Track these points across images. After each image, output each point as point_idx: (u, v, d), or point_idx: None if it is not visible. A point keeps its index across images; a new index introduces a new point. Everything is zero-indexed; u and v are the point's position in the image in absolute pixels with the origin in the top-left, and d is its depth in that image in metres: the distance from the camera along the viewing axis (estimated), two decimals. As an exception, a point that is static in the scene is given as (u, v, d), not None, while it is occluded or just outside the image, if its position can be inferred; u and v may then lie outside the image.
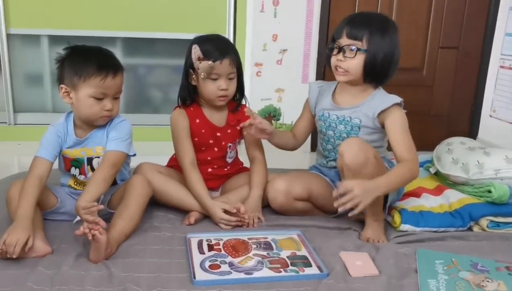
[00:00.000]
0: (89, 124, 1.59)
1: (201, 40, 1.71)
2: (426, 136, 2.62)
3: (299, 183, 1.72)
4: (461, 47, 3.03)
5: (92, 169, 1.62)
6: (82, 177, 1.63)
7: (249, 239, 1.56)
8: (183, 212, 1.74)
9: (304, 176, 1.78)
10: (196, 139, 1.78)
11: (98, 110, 1.53)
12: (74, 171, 1.63)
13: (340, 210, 1.46)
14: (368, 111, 1.65)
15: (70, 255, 1.40)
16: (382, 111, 1.62)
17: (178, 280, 1.33)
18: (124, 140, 1.58)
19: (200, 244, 1.52)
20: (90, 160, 1.62)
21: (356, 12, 1.72)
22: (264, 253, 1.48)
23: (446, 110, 3.13)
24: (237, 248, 1.49)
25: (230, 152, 1.86)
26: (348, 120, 1.69)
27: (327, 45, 1.68)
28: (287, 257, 1.46)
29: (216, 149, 1.82)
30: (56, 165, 1.62)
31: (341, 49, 1.61)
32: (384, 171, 1.59)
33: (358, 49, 1.58)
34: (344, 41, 1.60)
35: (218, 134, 1.80)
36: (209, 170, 1.83)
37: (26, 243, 1.33)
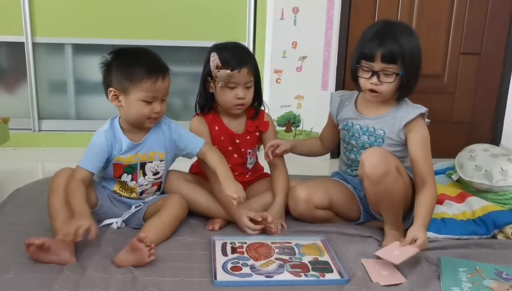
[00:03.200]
0: (138, 127, 1.60)
1: (220, 48, 1.72)
2: (447, 143, 2.59)
3: (320, 191, 1.71)
4: (483, 53, 3.00)
5: (144, 174, 1.64)
6: (133, 183, 1.64)
7: (272, 243, 1.56)
8: (205, 217, 1.75)
9: (326, 184, 1.77)
10: (215, 146, 1.79)
11: (147, 113, 1.54)
12: (126, 177, 1.63)
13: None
14: (393, 122, 1.63)
15: (95, 259, 1.42)
16: (408, 123, 1.60)
17: (200, 284, 1.34)
18: (195, 135, 1.69)
19: (224, 246, 1.54)
20: (143, 165, 1.63)
21: (377, 22, 1.64)
22: (286, 257, 1.49)
23: (468, 117, 3.09)
24: (260, 252, 1.50)
25: (250, 158, 1.87)
26: (372, 131, 1.66)
27: (355, 63, 1.61)
28: (309, 262, 1.46)
29: (235, 155, 1.83)
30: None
31: (375, 73, 1.56)
32: (406, 182, 1.58)
33: (396, 74, 1.55)
34: (378, 65, 1.55)
35: (237, 141, 1.81)
36: (232, 177, 1.83)
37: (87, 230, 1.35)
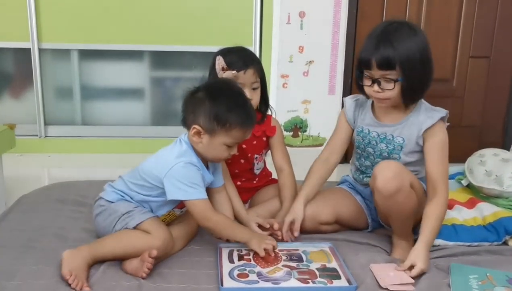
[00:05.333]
0: (205, 160, 1.57)
1: (225, 52, 1.72)
2: (457, 148, 2.57)
3: (327, 207, 1.68)
4: (492, 56, 2.99)
5: None
6: (179, 211, 1.62)
7: (280, 250, 1.56)
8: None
9: (332, 198, 1.72)
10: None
11: (226, 156, 1.53)
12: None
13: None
14: (413, 128, 1.58)
15: (100, 265, 1.43)
16: (428, 128, 1.55)
17: (206, 290, 1.34)
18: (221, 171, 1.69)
19: (231, 253, 1.53)
20: None
21: (380, 24, 1.57)
22: (294, 264, 1.48)
23: (478, 121, 3.08)
24: (267, 259, 1.50)
25: (258, 163, 1.86)
26: (390, 139, 1.62)
27: (358, 71, 1.56)
28: (317, 268, 1.46)
29: (242, 161, 1.83)
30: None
31: (375, 81, 1.51)
32: (419, 196, 1.55)
33: (396, 80, 1.48)
34: (376, 73, 1.49)
35: (244, 146, 1.81)
36: (238, 183, 1.83)
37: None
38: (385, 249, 1.63)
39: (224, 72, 1.67)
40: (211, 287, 1.36)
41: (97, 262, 1.43)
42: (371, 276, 1.42)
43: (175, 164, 1.46)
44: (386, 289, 1.36)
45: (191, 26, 3.03)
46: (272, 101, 1.87)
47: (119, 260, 1.45)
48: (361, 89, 1.61)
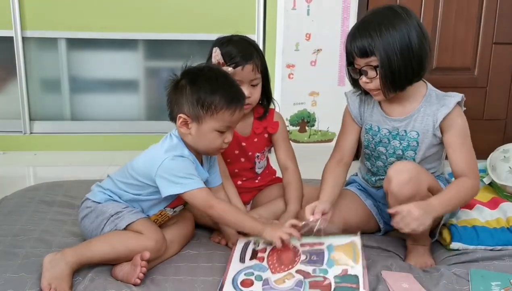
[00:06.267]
0: (199, 155, 1.58)
1: (223, 42, 1.71)
2: (479, 143, 2.53)
3: (334, 216, 1.60)
4: (518, 43, 2.97)
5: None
6: (171, 211, 1.62)
7: (302, 245, 1.49)
8: (209, 228, 1.75)
9: (340, 205, 1.67)
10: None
11: (219, 144, 1.52)
12: (181, 207, 1.63)
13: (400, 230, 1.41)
14: (427, 120, 1.56)
15: (88, 272, 1.43)
16: (444, 118, 1.53)
17: (203, 299, 1.35)
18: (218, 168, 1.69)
19: (245, 248, 1.50)
20: None
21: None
22: (310, 269, 1.41)
23: (503, 114, 3.06)
24: (282, 260, 1.45)
25: (259, 162, 1.86)
26: (403, 135, 1.60)
27: (347, 67, 1.58)
28: (335, 277, 1.38)
29: (243, 160, 1.82)
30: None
31: (361, 72, 1.52)
32: None
33: (377, 67, 1.48)
34: (360, 62, 1.51)
35: (244, 144, 1.80)
36: (239, 182, 1.83)
37: None
38: (399, 254, 1.63)
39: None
40: (209, 294, 1.37)
41: (84, 266, 1.43)
42: (383, 283, 1.42)
43: (164, 159, 1.46)
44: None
45: (188, 12, 3.02)
46: (276, 93, 1.86)
47: (108, 264, 1.45)
48: (356, 86, 1.62)
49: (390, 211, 1.42)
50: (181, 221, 1.65)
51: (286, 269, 1.43)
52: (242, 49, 1.69)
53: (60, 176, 2.31)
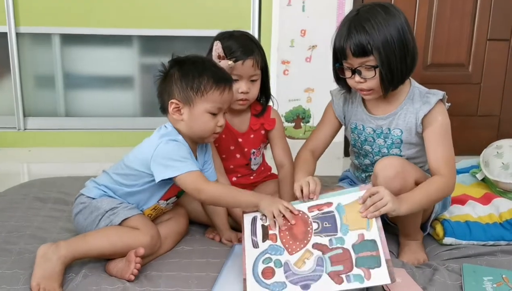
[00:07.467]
0: (195, 144, 1.60)
1: (225, 37, 1.72)
2: (473, 139, 2.58)
3: None
4: (512, 39, 2.98)
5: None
6: (164, 204, 1.62)
7: (310, 210, 1.45)
8: (204, 224, 1.76)
9: None
10: (216, 145, 1.79)
11: (213, 127, 1.53)
12: (174, 199, 1.63)
13: (368, 216, 1.38)
14: (410, 117, 1.57)
15: (81, 268, 1.44)
16: (426, 115, 1.54)
17: (197, 295, 1.35)
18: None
19: (254, 227, 1.45)
20: None
21: (353, 8, 1.55)
22: (326, 240, 1.37)
23: (497, 110, 3.07)
24: (295, 234, 1.41)
25: (255, 159, 1.87)
26: (387, 133, 1.61)
27: (334, 64, 1.57)
28: (353, 245, 1.34)
29: (238, 156, 1.83)
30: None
31: (355, 71, 1.50)
32: None
33: (376, 67, 1.47)
34: (354, 61, 1.49)
35: (240, 140, 1.81)
36: (234, 179, 1.83)
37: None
38: (391, 250, 1.63)
39: (220, 61, 1.67)
40: (203, 290, 1.37)
41: (77, 261, 1.43)
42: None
43: (159, 143, 1.49)
44: (391, 291, 1.36)
45: (183, 8, 3.01)
46: (272, 89, 1.86)
47: (101, 259, 1.45)
48: (340, 83, 1.61)
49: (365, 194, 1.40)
50: (176, 217, 1.66)
51: (302, 246, 1.38)
52: (243, 44, 1.70)
53: (54, 173, 2.31)
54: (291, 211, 1.44)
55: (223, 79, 1.52)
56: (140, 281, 1.40)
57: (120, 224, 1.48)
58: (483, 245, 1.64)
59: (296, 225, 1.43)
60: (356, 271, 1.29)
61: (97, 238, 1.44)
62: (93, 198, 1.55)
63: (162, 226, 1.59)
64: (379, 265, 1.28)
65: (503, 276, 1.43)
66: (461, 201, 1.82)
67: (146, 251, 1.42)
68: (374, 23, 1.45)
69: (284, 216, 1.43)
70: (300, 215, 1.45)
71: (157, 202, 1.58)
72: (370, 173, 1.66)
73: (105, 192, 1.56)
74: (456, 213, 1.75)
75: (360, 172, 1.76)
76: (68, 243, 1.42)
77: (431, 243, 1.67)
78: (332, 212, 1.43)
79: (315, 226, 1.42)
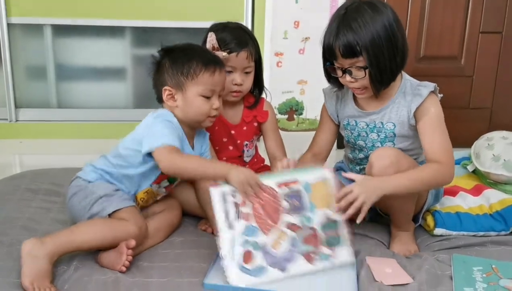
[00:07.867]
0: (192, 129, 1.61)
1: (219, 28, 1.72)
2: (465, 131, 2.58)
3: None
4: (505, 32, 2.98)
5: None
6: (156, 187, 1.62)
7: (278, 186, 1.44)
8: (196, 216, 1.75)
9: None
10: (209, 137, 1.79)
11: (207, 110, 1.54)
12: (165, 183, 1.63)
13: (342, 218, 1.42)
14: (402, 110, 1.57)
15: (73, 261, 1.44)
16: (418, 106, 1.54)
17: (190, 284, 1.36)
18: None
19: (224, 200, 1.39)
20: None
21: (341, 6, 1.55)
22: (297, 220, 1.42)
23: (489, 103, 3.08)
24: (268, 212, 1.41)
25: (248, 151, 1.87)
26: (380, 127, 1.61)
27: (325, 63, 1.57)
28: (320, 224, 1.44)
29: (231, 148, 1.83)
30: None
31: (346, 71, 1.51)
32: None
33: (365, 67, 1.47)
34: (344, 62, 1.49)
35: (232, 132, 1.81)
36: (226, 170, 1.83)
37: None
38: (383, 241, 1.64)
39: (214, 52, 1.67)
40: (195, 280, 1.37)
41: (64, 255, 1.41)
42: (367, 268, 1.44)
43: (154, 122, 1.51)
44: (381, 282, 1.38)
45: (176, -1, 3.01)
46: (265, 81, 1.86)
47: (93, 251, 1.45)
48: (332, 81, 1.62)
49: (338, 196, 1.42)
50: (168, 209, 1.66)
51: (275, 224, 1.41)
52: (237, 36, 1.70)
53: (46, 164, 2.30)
54: (260, 187, 1.41)
55: (213, 62, 1.54)
56: (132, 272, 1.40)
57: (110, 215, 1.48)
58: (473, 235, 1.66)
59: (267, 202, 1.43)
60: (323, 251, 1.41)
61: (84, 231, 1.43)
62: (90, 181, 1.56)
63: (155, 217, 1.60)
64: (342, 244, 1.43)
65: (493, 266, 1.45)
66: (452, 192, 1.83)
67: (136, 242, 1.42)
68: (361, 22, 1.45)
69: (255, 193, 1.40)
70: (269, 191, 1.44)
71: (150, 185, 1.59)
72: (364, 165, 1.67)
73: (102, 175, 1.57)
74: (447, 204, 1.76)
75: (354, 164, 1.76)
76: (54, 239, 1.37)
77: (422, 234, 1.68)
78: (300, 190, 1.46)
79: (285, 204, 1.44)
